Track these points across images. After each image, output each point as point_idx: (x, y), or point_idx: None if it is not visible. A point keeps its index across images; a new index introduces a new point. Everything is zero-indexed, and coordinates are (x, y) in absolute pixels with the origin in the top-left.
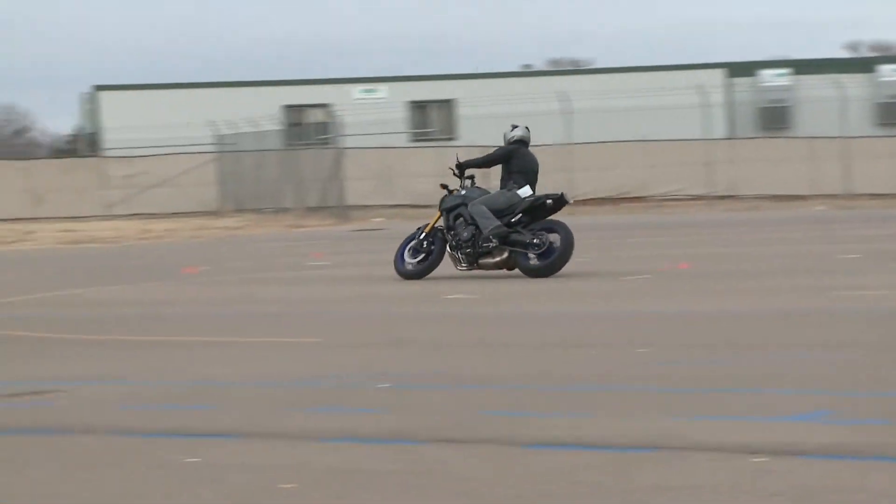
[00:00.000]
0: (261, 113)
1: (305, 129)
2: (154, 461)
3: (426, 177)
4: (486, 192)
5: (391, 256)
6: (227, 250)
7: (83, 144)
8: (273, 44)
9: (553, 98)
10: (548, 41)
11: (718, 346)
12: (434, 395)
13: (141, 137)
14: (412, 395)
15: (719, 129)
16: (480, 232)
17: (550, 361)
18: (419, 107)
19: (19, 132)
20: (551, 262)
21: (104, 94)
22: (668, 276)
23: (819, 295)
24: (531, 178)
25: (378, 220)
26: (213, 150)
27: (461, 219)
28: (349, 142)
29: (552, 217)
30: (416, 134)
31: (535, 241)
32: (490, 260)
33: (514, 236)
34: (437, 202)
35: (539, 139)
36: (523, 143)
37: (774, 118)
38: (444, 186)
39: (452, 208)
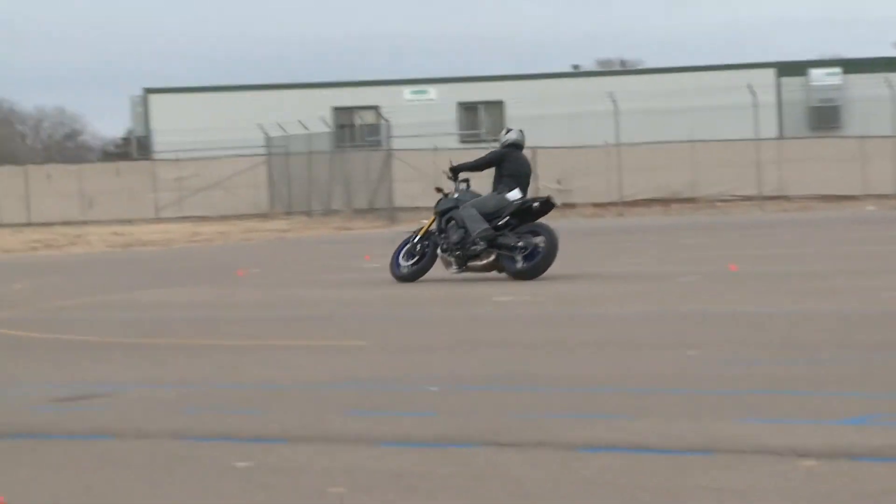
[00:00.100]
0: (310, 115)
1: (355, 130)
2: (205, 465)
3: (476, 178)
4: (478, 195)
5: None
6: (276, 253)
7: (134, 147)
8: (322, 45)
9: (602, 99)
10: (597, 41)
11: (768, 348)
12: (484, 398)
13: (191, 140)
14: (462, 397)
15: (769, 129)
16: (469, 235)
17: (600, 363)
18: (468, 108)
19: (70, 136)
20: (534, 264)
21: (154, 97)
22: (718, 278)
23: (871, 296)
24: (522, 182)
25: (425, 221)
26: (263, 153)
27: (453, 222)
28: (398, 143)
29: (539, 220)
30: (465, 135)
31: (519, 243)
32: (478, 262)
33: (501, 239)
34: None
35: (588, 140)
36: (517, 146)
37: (825, 118)
38: (439, 190)
39: (445, 211)
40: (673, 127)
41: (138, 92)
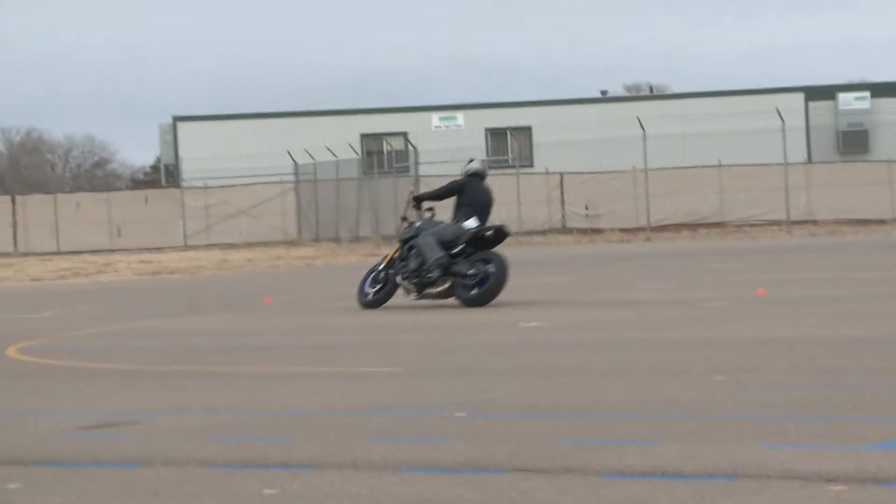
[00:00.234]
0: (339, 142)
1: (383, 157)
2: (233, 493)
3: (503, 204)
4: (439, 223)
5: None
6: (304, 280)
7: (162, 175)
8: (351, 72)
9: (630, 124)
10: (625, 67)
11: (796, 373)
12: (511, 424)
13: (219, 168)
14: (489, 424)
15: (798, 154)
16: (426, 262)
17: (627, 389)
18: (496, 134)
19: (99, 164)
20: (484, 291)
21: (183, 125)
22: (746, 302)
23: None
24: (480, 211)
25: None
26: (291, 180)
27: (414, 250)
28: (426, 170)
29: (493, 249)
30: (493, 161)
31: (471, 271)
32: (434, 290)
33: (455, 267)
34: (514, 229)
35: (616, 165)
36: (479, 176)
37: (853, 142)
38: (404, 219)
39: (408, 240)
40: (701, 152)
41: (167, 120)
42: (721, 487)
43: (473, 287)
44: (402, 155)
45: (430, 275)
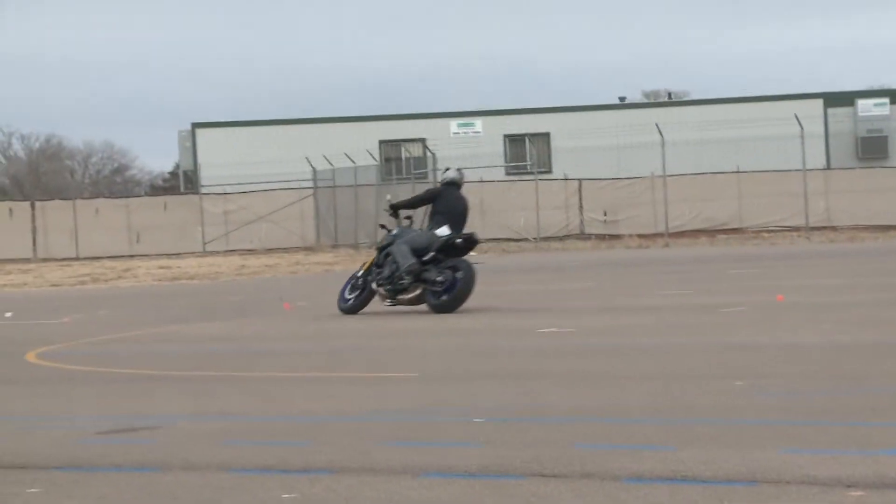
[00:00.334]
0: (357, 148)
1: (401, 163)
2: (251, 497)
3: (522, 210)
4: (415, 231)
5: (485, 290)
6: (323, 286)
7: (181, 182)
8: (369, 79)
9: (648, 130)
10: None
11: (815, 378)
12: (529, 429)
13: (238, 174)
14: (506, 428)
15: (817, 160)
16: (399, 269)
17: (646, 394)
18: (515, 140)
19: (119, 170)
20: (452, 297)
21: (202, 132)
22: (764, 308)
23: None
24: (454, 219)
25: (473, 254)
26: (310, 186)
27: (390, 257)
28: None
29: (462, 257)
30: (511, 167)
31: (439, 278)
32: (406, 296)
33: (425, 274)
34: (532, 236)
35: (634, 171)
36: (454, 184)
37: (872, 148)
38: (383, 226)
39: (384, 247)
40: (719, 158)
41: (186, 126)
42: (740, 493)
43: (442, 294)
44: (420, 161)
45: (402, 281)
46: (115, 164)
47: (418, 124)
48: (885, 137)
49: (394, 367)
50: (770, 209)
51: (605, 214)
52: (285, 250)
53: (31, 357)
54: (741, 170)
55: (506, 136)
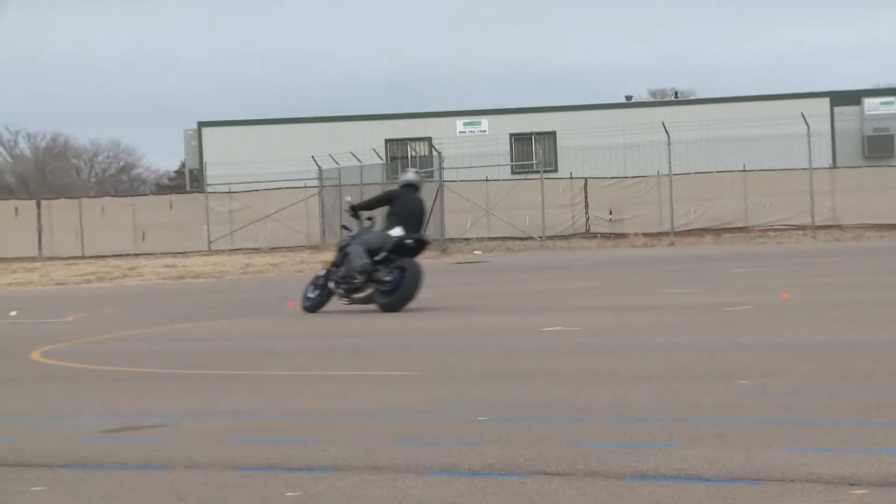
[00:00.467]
0: (363, 147)
1: (407, 162)
2: (255, 495)
3: (528, 209)
4: (372, 232)
5: (491, 289)
6: None
7: (187, 180)
8: (375, 78)
9: (654, 129)
10: (649, 72)
11: (820, 377)
12: (533, 427)
13: (244, 173)
14: (510, 427)
15: (823, 159)
16: (352, 269)
17: (650, 392)
18: (521, 139)
19: (125, 169)
20: (397, 297)
21: (208, 131)
22: (770, 307)
23: None
24: (409, 220)
25: (478, 252)
26: (315, 185)
27: (348, 256)
28: (450, 175)
29: (411, 257)
30: (517, 166)
31: (387, 278)
32: (359, 295)
33: (376, 274)
34: (538, 234)
35: (640, 170)
36: (412, 186)
37: (879, 147)
38: (345, 227)
39: (343, 247)
40: (725, 157)
41: (192, 125)
42: (745, 491)
43: (389, 293)
44: (426, 160)
45: (354, 281)
46: (121, 163)
47: (424, 123)
48: (892, 136)
49: (398, 365)
50: (776, 208)
51: (610, 213)
52: (290, 249)
53: (36, 355)
54: (747, 169)
55: (512, 134)
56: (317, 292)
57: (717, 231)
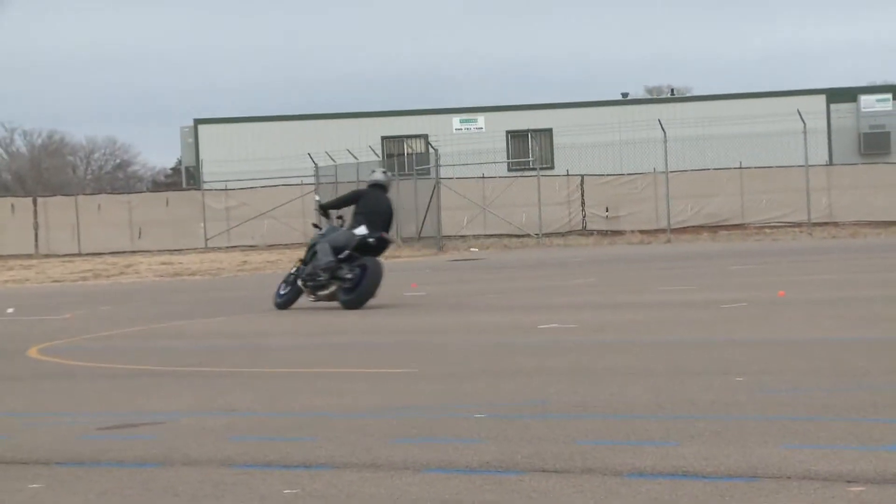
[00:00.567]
0: (359, 144)
1: (403, 159)
2: (252, 493)
3: (524, 206)
4: (340, 230)
5: (488, 287)
6: None
7: (183, 177)
8: (371, 75)
9: (651, 126)
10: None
11: (816, 374)
12: (530, 425)
13: (240, 170)
14: (507, 424)
15: (819, 156)
16: (317, 267)
17: (647, 389)
18: (517, 136)
19: (121, 166)
20: (357, 294)
21: (204, 128)
22: (766, 304)
23: None
24: (374, 219)
25: (474, 249)
26: (312, 182)
27: (315, 254)
28: (447, 172)
29: (374, 256)
30: (514, 163)
31: (349, 275)
32: (324, 292)
33: (339, 272)
34: (534, 231)
35: (636, 167)
36: (380, 186)
37: (875, 144)
38: (315, 225)
39: (312, 245)
40: (722, 154)
41: (188, 122)
42: (741, 488)
43: (350, 290)
44: (422, 157)
45: (319, 278)
46: (118, 160)
47: (420, 120)
48: (888, 133)
49: (395, 362)
50: (772, 205)
51: (606, 210)
52: (287, 246)
53: (33, 353)
54: (743, 166)
55: (508, 131)
56: (287, 289)
57: (714, 228)
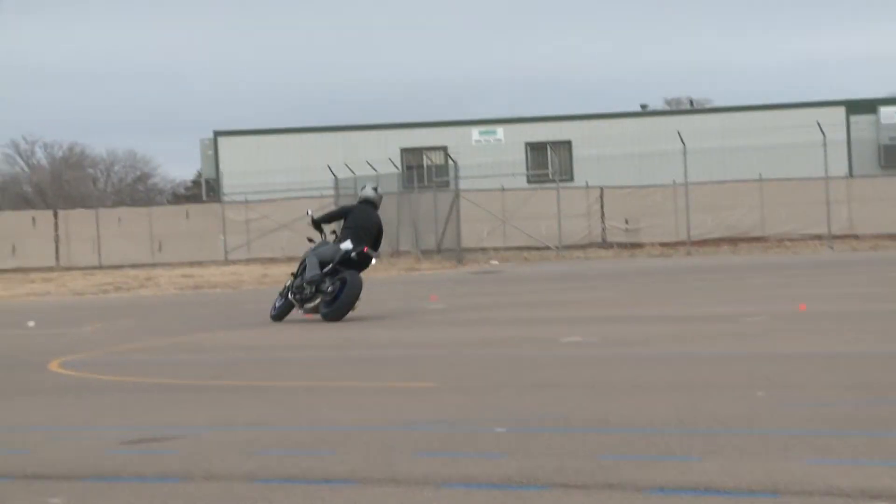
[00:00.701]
0: (379, 156)
1: (423, 171)
2: None
3: (544, 219)
4: (328, 244)
5: (509, 299)
6: None
7: (203, 190)
8: (391, 87)
9: (670, 138)
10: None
11: (838, 388)
12: (552, 439)
13: (260, 182)
14: (528, 439)
15: (839, 168)
16: (304, 280)
17: (668, 404)
18: (536, 148)
19: (141, 179)
20: (335, 307)
21: (224, 140)
22: (787, 317)
23: None
24: (361, 234)
25: (494, 262)
26: (331, 194)
27: (305, 268)
28: (466, 184)
29: (357, 270)
30: (533, 175)
31: (329, 289)
32: (310, 304)
33: (322, 285)
34: (554, 244)
35: (656, 179)
36: (369, 202)
37: (895, 156)
38: (310, 239)
39: (304, 259)
40: (741, 166)
41: (208, 135)
42: (764, 503)
43: (329, 303)
44: (441, 169)
45: (305, 291)
46: (138, 173)
47: (440, 132)
48: None
49: (416, 376)
50: (792, 217)
51: (626, 222)
52: None
53: (54, 366)
54: (763, 178)
55: (527, 143)
56: (282, 301)
57: (734, 241)
